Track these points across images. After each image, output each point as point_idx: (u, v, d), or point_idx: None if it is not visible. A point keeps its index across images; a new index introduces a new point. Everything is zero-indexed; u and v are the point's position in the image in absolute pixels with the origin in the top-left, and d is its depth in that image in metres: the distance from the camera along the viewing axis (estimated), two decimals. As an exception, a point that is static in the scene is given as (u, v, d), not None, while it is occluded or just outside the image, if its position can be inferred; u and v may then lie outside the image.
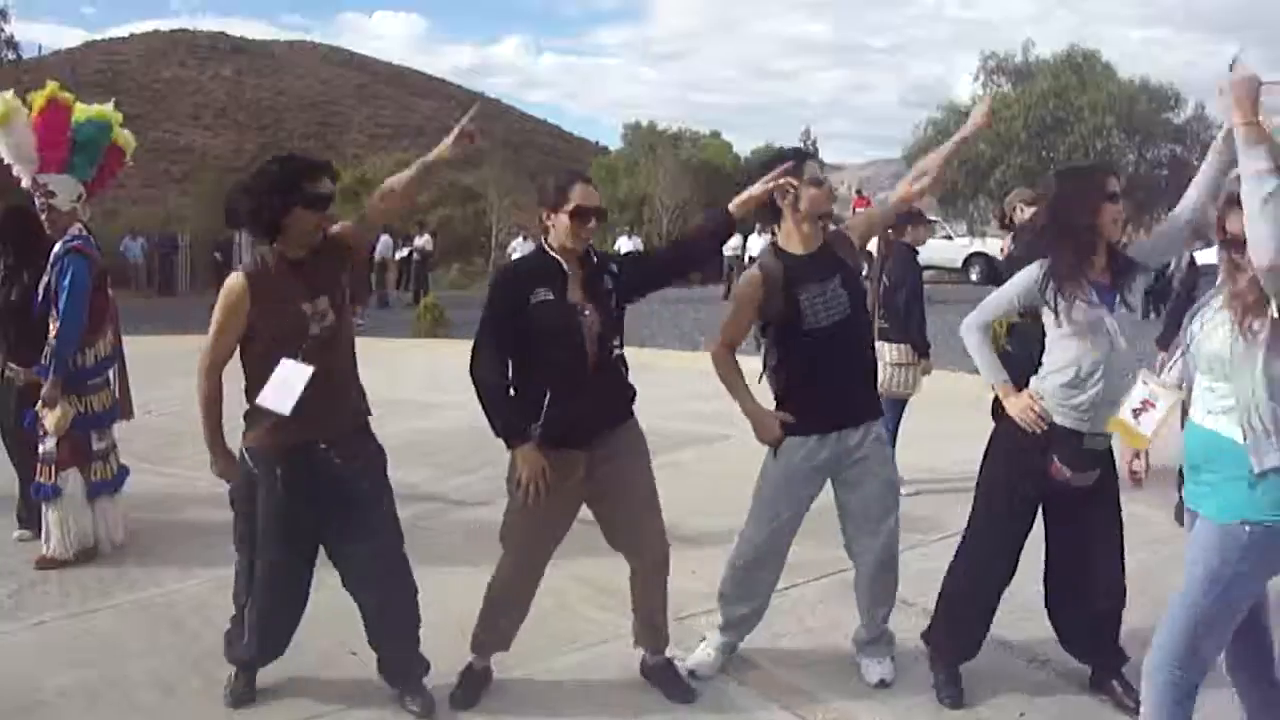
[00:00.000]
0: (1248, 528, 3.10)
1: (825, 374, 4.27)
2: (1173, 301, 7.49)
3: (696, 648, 4.61)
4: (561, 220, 4.02)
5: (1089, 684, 4.39)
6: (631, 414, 4.27)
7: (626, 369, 4.21)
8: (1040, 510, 4.28)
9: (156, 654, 4.73)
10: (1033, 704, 4.33)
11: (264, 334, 3.93)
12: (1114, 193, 4.03)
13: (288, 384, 3.85)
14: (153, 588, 5.57)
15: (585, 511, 4.28)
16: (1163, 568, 5.50)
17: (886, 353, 7.28)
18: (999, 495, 4.29)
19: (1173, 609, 3.31)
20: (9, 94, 5.90)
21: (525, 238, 30.31)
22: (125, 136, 6.37)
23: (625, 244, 30.52)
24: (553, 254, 4.08)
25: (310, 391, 3.85)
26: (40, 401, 5.70)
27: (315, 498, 4.01)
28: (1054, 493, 4.15)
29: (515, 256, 29.90)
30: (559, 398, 4.01)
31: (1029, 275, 4.17)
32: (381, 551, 4.14)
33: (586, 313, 4.02)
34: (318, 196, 3.91)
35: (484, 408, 4.06)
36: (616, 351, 4.13)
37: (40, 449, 5.84)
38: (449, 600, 4.45)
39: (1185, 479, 3.40)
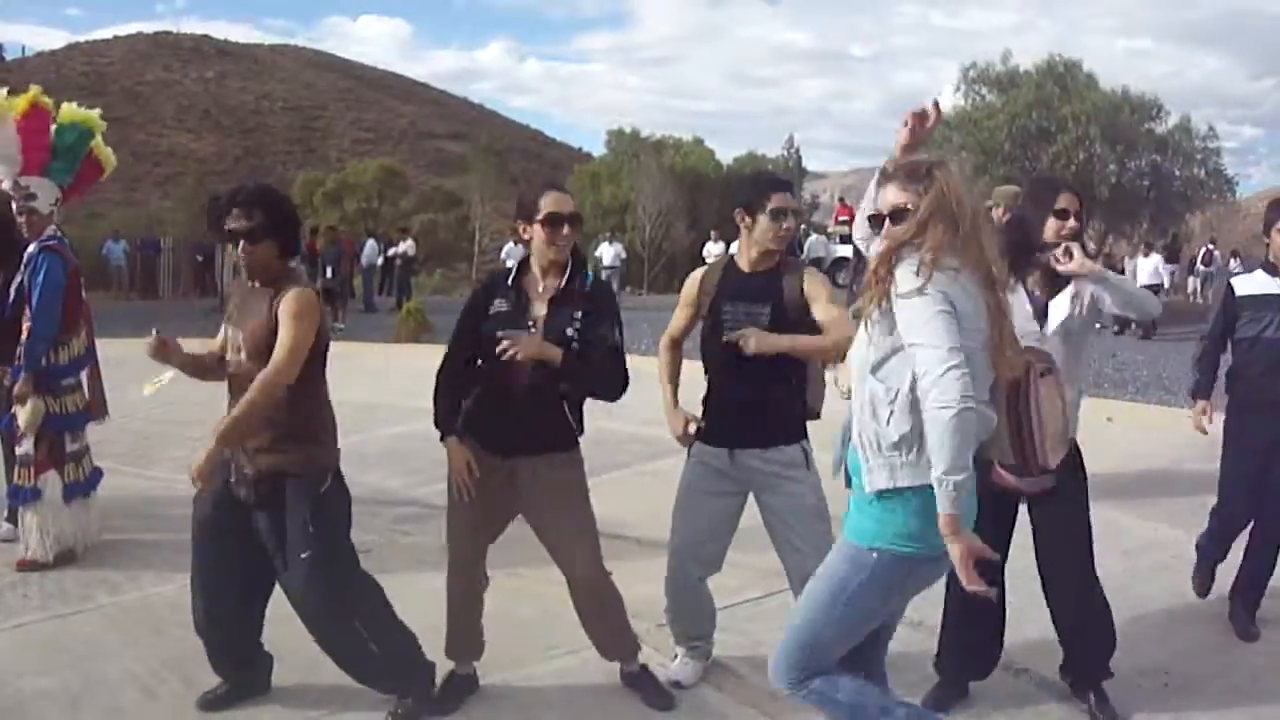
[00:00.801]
0: (875, 554, 3.04)
1: (730, 390, 4.31)
2: (1205, 342, 5.33)
3: (675, 656, 4.62)
4: (535, 230, 4.06)
5: (1069, 692, 4.41)
6: (566, 450, 4.17)
7: (571, 405, 4.14)
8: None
9: (137, 656, 4.71)
10: (1011, 712, 4.36)
11: None
12: (1063, 209, 4.14)
13: None
14: (133, 590, 5.55)
15: None
16: (1137, 577, 5.55)
17: None
18: None
19: (794, 616, 3.24)
20: (2, 92, 5.90)
21: (516, 243, 30.31)
22: (105, 151, 6.38)
23: (606, 250, 30.57)
24: (520, 268, 4.18)
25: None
26: (13, 398, 5.69)
27: (219, 512, 4.02)
28: (1030, 503, 4.19)
29: (510, 264, 30.06)
30: (483, 401, 4.06)
31: None
32: (301, 595, 4.03)
33: (532, 329, 4.03)
34: (228, 231, 3.97)
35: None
36: (561, 389, 4.08)
37: (17, 450, 5.83)
38: (430, 607, 4.45)
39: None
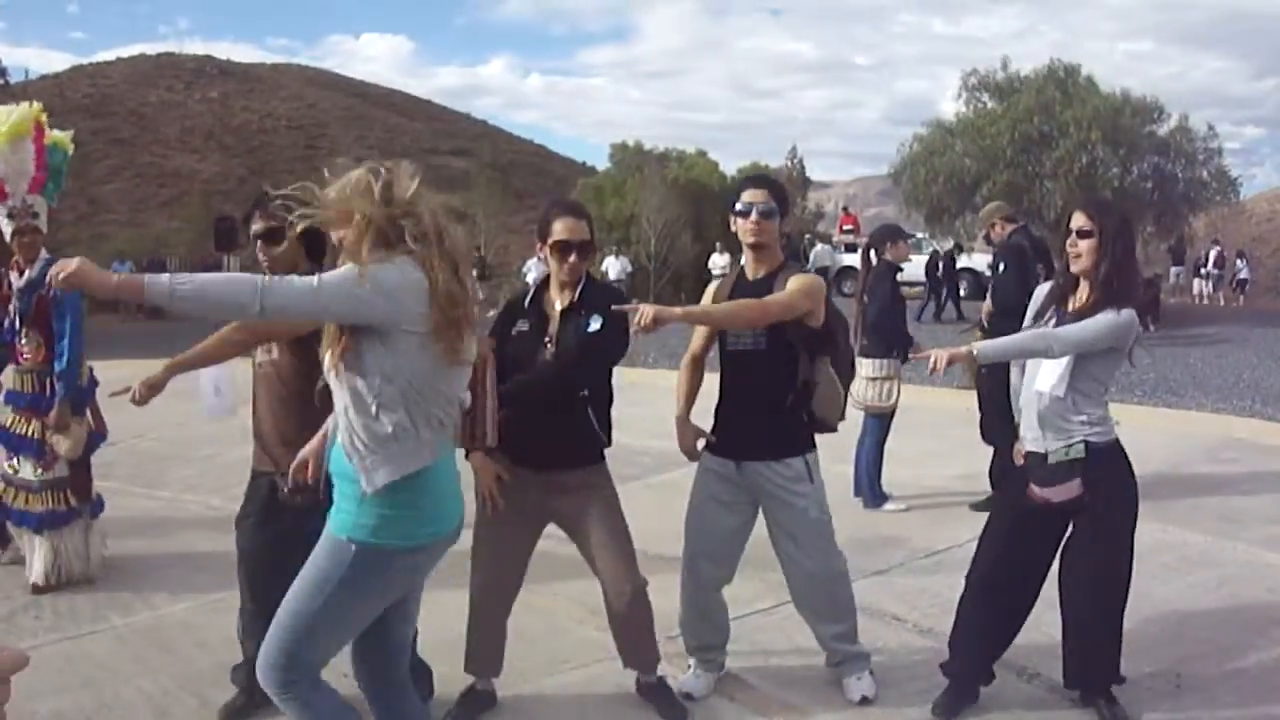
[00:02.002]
0: (354, 546, 3.01)
1: (736, 399, 4.31)
2: None
3: (688, 668, 4.63)
4: (548, 252, 4.14)
5: (1078, 699, 4.41)
6: (594, 462, 4.20)
7: (598, 415, 4.15)
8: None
9: (150, 677, 4.72)
10: (1023, 717, 4.36)
11: None
12: (1069, 228, 4.14)
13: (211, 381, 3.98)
14: (145, 611, 5.57)
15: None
16: (1146, 579, 5.54)
17: (863, 368, 7.34)
18: (995, 519, 4.44)
19: (279, 613, 3.13)
20: (36, 105, 5.92)
21: (540, 259, 30.40)
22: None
23: (612, 264, 30.61)
24: (541, 286, 4.24)
25: (263, 423, 4.03)
26: (52, 429, 5.69)
27: (266, 526, 4.08)
28: (1071, 515, 4.18)
29: (530, 278, 30.20)
30: (513, 420, 3.94)
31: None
32: None
33: (549, 347, 4.08)
34: (250, 235, 4.05)
35: None
36: (582, 394, 4.10)
37: (46, 475, 5.77)
38: (438, 622, 4.45)
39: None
